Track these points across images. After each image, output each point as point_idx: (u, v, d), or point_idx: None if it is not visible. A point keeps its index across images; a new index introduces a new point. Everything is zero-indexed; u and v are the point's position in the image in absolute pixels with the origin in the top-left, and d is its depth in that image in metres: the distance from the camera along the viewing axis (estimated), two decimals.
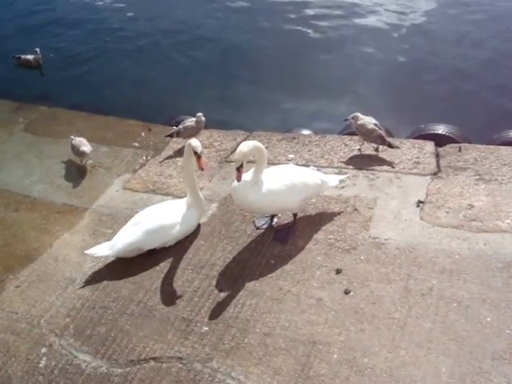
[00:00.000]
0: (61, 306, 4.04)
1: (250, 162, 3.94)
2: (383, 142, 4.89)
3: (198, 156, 4.02)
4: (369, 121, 4.92)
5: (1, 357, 3.74)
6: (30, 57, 9.06)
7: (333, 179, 4.34)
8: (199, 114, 5.49)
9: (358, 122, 4.94)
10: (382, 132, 4.89)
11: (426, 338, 3.29)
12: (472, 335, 3.26)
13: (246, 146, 3.80)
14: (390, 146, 4.90)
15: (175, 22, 10.28)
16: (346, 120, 5.13)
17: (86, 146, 5.52)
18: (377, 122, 4.94)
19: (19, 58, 9.09)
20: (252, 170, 3.96)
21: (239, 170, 3.76)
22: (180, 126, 5.54)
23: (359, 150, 5.14)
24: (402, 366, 3.15)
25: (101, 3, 11.66)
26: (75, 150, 5.54)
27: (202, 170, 4.07)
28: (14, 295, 4.25)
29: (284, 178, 3.99)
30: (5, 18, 11.19)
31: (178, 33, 9.81)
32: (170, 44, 9.45)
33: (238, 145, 5.34)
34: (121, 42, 9.81)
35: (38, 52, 9.04)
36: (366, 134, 4.92)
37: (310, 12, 10.06)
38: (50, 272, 4.40)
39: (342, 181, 4.44)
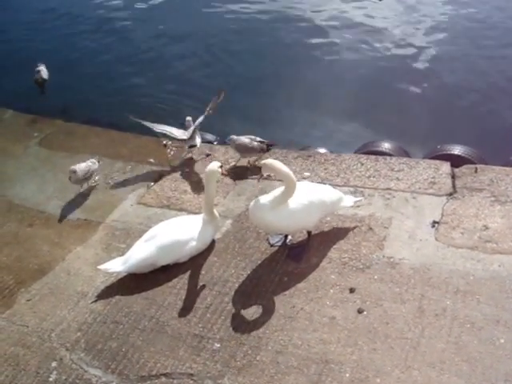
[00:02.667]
0: (72, 320, 4.03)
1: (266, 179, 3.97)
2: (261, 150, 5.43)
3: (221, 167, 4.33)
4: (245, 139, 5.42)
5: (10, 370, 3.73)
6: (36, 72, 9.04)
7: (348, 199, 4.36)
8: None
9: (237, 142, 5.43)
10: (257, 143, 5.42)
11: (438, 358, 3.26)
12: (485, 356, 3.22)
13: (279, 165, 3.90)
14: (267, 150, 5.48)
15: (190, 36, 10.30)
16: (230, 139, 5.53)
17: (79, 167, 5.43)
18: (250, 137, 5.45)
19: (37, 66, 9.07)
20: (276, 191, 3.97)
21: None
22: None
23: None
24: None
25: (112, 18, 11.69)
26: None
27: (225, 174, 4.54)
28: (25, 308, 4.24)
29: (302, 198, 3.98)
30: (18, 31, 11.29)
31: (192, 48, 9.84)
32: (184, 60, 9.47)
33: (254, 162, 5.44)
34: (135, 57, 9.84)
35: (43, 70, 9.01)
36: (248, 150, 5.43)
37: (328, 32, 10.06)
38: (62, 286, 4.40)
39: (356, 203, 4.44)
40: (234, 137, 5.49)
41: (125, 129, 6.80)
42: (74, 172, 5.34)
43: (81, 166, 5.42)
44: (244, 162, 5.57)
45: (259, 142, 5.44)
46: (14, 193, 5.77)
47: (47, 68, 8.92)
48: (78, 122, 7.13)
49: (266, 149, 5.47)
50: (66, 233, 5.04)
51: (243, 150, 5.46)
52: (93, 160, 5.64)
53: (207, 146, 6.09)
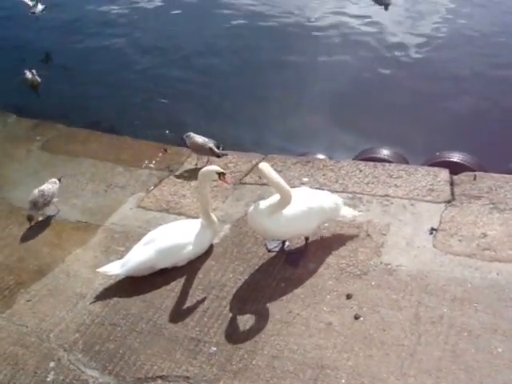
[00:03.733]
0: (70, 321, 4.05)
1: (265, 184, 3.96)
2: (213, 153, 5.65)
3: (223, 175, 4.26)
4: (199, 138, 5.70)
5: (9, 369, 3.75)
6: (29, 75, 9.12)
7: (347, 211, 4.36)
8: None
9: (191, 140, 5.73)
10: (211, 145, 5.67)
11: (435, 366, 3.25)
12: (482, 365, 3.21)
13: (270, 173, 3.82)
14: (218, 156, 5.68)
15: (189, 41, 10.34)
16: (187, 136, 5.82)
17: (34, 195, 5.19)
18: (206, 139, 5.74)
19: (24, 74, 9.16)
20: (275, 197, 3.97)
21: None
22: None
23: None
24: None
25: (108, 23, 11.74)
26: None
27: (228, 183, 4.55)
28: (24, 309, 4.26)
29: (301, 204, 3.98)
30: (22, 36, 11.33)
31: (194, 54, 9.87)
32: (186, 65, 9.51)
33: (253, 167, 5.47)
34: (136, 62, 9.90)
35: (35, 73, 9.08)
36: (199, 149, 5.71)
37: (328, 38, 10.10)
38: (61, 287, 4.42)
39: (354, 216, 4.44)
40: (191, 134, 5.77)
41: (125, 133, 6.84)
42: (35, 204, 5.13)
43: (34, 193, 5.15)
44: (244, 167, 5.59)
45: (209, 148, 5.63)
46: (15, 195, 5.79)
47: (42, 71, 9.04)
48: (79, 127, 7.17)
49: (217, 155, 5.67)
50: (65, 235, 5.06)
51: (194, 148, 5.76)
52: (53, 180, 5.41)
53: None
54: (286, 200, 3.85)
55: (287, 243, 4.39)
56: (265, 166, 3.87)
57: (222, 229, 4.69)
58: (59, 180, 5.49)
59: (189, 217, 4.91)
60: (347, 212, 4.37)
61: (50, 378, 3.63)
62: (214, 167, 4.33)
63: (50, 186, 5.31)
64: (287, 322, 3.70)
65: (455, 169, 5.21)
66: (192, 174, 5.65)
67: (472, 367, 3.21)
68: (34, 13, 9.73)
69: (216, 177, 4.27)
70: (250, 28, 10.76)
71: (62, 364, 3.72)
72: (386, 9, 10.82)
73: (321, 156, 6.05)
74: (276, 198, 3.94)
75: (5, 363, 3.81)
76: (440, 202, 4.64)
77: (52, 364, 3.73)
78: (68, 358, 3.76)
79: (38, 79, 8.90)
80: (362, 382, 3.23)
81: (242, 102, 8.20)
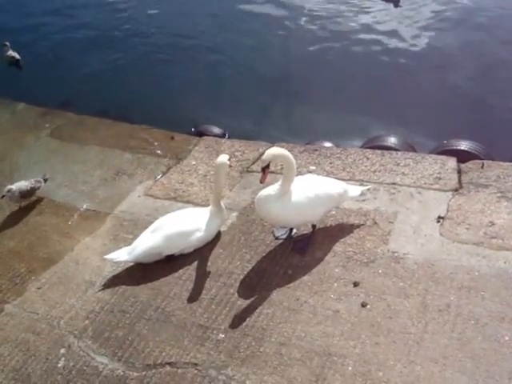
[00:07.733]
0: (80, 309, 4.11)
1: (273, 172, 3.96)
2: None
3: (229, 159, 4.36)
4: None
5: (21, 355, 3.83)
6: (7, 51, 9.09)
7: (355, 190, 4.36)
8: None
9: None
10: None
11: (441, 354, 3.27)
12: (489, 353, 3.23)
13: (277, 150, 3.92)
14: None
15: (197, 30, 10.33)
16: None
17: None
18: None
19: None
20: (278, 182, 3.99)
21: (264, 170, 3.89)
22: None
23: None
24: (416, 381, 3.14)
25: (117, 7, 11.78)
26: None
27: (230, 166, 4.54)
28: (35, 296, 4.33)
29: (307, 191, 4.00)
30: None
31: (202, 41, 9.86)
32: (194, 53, 9.52)
33: (260, 155, 5.46)
34: (144, 50, 9.89)
35: (8, 45, 9.09)
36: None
37: (336, 30, 10.07)
38: (71, 275, 4.48)
39: (363, 193, 4.44)
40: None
41: (134, 121, 6.86)
42: (9, 191, 5.20)
43: (19, 184, 5.28)
44: (251, 155, 5.59)
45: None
46: None
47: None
48: (89, 114, 7.18)
49: None
50: (75, 223, 5.11)
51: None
52: (38, 179, 5.49)
53: (214, 139, 6.13)
54: (292, 172, 3.91)
55: (294, 231, 4.41)
56: (279, 150, 3.97)
57: (230, 217, 4.71)
58: (45, 180, 5.56)
59: (196, 205, 4.93)
60: (355, 192, 4.36)
61: (60, 364, 3.70)
62: (225, 156, 4.35)
63: (34, 182, 5.41)
64: (294, 309, 3.73)
65: (463, 157, 5.18)
66: (199, 163, 5.66)
67: (479, 355, 3.23)
68: None
69: (228, 165, 4.35)
70: (256, 19, 10.72)
71: (72, 350, 3.78)
72: (396, 6, 10.84)
73: (328, 144, 6.03)
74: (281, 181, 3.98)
75: (17, 349, 3.88)
76: (447, 191, 4.63)
77: (62, 350, 3.80)
78: (78, 344, 3.82)
79: (17, 55, 8.93)
80: (368, 369, 3.26)
81: (249, 90, 8.18)
